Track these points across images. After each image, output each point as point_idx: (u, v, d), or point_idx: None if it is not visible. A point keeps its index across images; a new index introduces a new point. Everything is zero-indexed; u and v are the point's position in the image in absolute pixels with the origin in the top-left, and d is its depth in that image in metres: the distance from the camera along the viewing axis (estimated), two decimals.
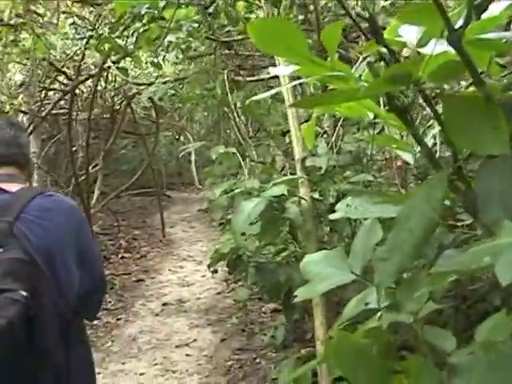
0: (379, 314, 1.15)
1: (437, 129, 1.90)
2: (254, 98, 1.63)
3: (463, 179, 1.03)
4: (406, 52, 1.37)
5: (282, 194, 2.92)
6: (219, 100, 5.13)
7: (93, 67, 8.72)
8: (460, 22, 0.94)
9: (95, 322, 6.06)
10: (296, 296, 1.34)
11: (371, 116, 1.50)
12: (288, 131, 4.30)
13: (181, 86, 7.37)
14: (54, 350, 1.89)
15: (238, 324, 6.30)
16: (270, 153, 5.67)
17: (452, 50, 0.97)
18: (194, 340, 5.94)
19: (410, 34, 1.11)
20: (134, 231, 11.38)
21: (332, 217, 1.91)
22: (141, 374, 5.16)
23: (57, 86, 9.58)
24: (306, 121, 3.01)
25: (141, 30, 4.88)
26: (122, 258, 9.42)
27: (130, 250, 9.90)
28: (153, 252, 9.95)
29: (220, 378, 5.06)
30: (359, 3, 3.73)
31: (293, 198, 3.15)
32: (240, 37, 5.30)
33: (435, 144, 1.99)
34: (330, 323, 2.99)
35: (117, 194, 11.80)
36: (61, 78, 9.27)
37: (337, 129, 3.41)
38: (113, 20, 5.45)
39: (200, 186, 14.72)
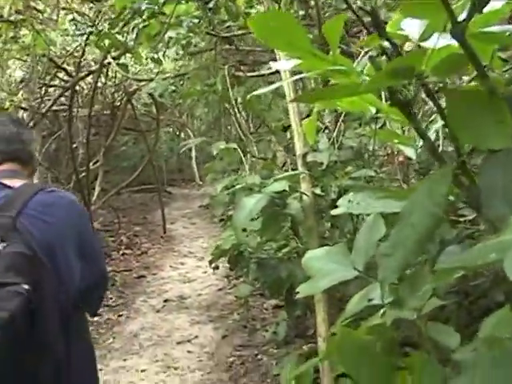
0: (382, 310, 1.15)
1: (439, 123, 1.89)
2: (255, 92, 1.62)
3: (467, 174, 1.02)
4: (407, 47, 1.36)
5: (284, 190, 2.91)
6: (220, 96, 5.11)
7: (93, 63, 8.71)
8: (463, 15, 0.93)
9: (96, 319, 6.07)
10: (298, 292, 1.34)
11: (373, 111, 1.49)
12: (289, 127, 4.30)
13: (181, 82, 7.35)
14: (55, 344, 1.91)
15: (240, 320, 6.30)
16: (271, 148, 5.66)
17: (455, 44, 0.96)
18: (196, 336, 5.94)
19: (412, 27, 1.09)
20: (134, 228, 11.37)
21: (334, 212, 1.90)
22: (142, 371, 5.15)
23: (57, 82, 9.57)
24: (308, 116, 3.00)
25: (141, 26, 4.86)
26: (123, 254, 9.41)
27: (130, 247, 9.90)
28: (154, 248, 9.94)
29: (221, 374, 5.06)
30: None
31: (294, 193, 3.14)
32: (240, 32, 5.29)
33: (438, 139, 1.98)
34: (332, 319, 2.98)
35: (117, 191, 11.79)
36: (61, 74, 9.26)
37: (338, 124, 3.40)
38: (113, 16, 5.43)
39: (201, 183, 14.73)
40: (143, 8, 4.58)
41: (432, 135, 1.99)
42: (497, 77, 1.13)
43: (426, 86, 1.07)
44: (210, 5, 4.74)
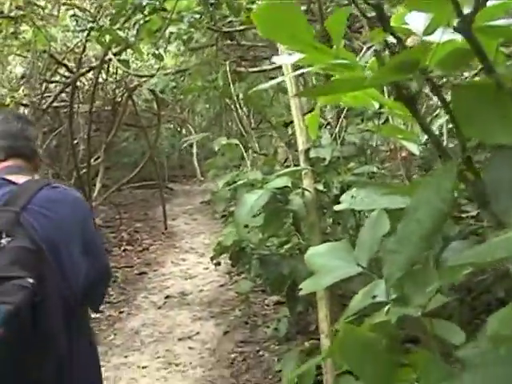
0: (387, 307, 1.13)
1: (443, 119, 1.88)
2: (257, 87, 1.61)
3: (472, 169, 1.01)
4: (409, 42, 1.35)
5: (286, 186, 2.90)
6: (221, 91, 5.10)
7: (94, 59, 8.70)
8: (468, 9, 0.92)
9: (98, 316, 6.06)
10: (300, 289, 1.33)
11: (376, 106, 1.48)
12: (291, 122, 4.28)
13: (182, 78, 7.34)
14: (58, 340, 1.92)
15: (241, 316, 6.30)
16: (272, 144, 5.65)
17: (458, 38, 0.95)
18: (197, 333, 5.93)
19: (416, 21, 1.08)
20: (136, 224, 11.37)
21: (337, 208, 1.89)
22: (143, 367, 5.15)
23: (58, 78, 9.55)
24: (310, 111, 2.98)
25: (142, 22, 4.85)
26: (124, 250, 9.41)
27: (132, 243, 9.89)
28: (155, 245, 9.94)
29: (223, 370, 5.06)
30: None
31: (296, 189, 3.13)
32: (242, 27, 5.27)
33: (441, 134, 1.97)
34: (334, 316, 2.97)
35: (118, 187, 11.78)
36: (62, 70, 9.24)
37: (340, 120, 3.38)
38: (114, 11, 5.41)
39: (202, 179, 14.71)
40: (144, 3, 4.56)
41: (435, 131, 1.98)
42: (503, 71, 1.12)
43: (431, 81, 1.06)
44: (212, 0, 4.72)
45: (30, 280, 1.77)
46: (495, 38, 1.06)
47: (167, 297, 7.16)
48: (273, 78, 5.00)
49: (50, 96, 9.01)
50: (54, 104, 9.35)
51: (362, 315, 1.23)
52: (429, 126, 1.14)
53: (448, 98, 1.02)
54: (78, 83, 9.25)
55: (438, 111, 2.05)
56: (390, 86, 1.06)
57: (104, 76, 9.69)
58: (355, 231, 3.30)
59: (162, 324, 6.23)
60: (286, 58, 1.69)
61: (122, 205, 12.49)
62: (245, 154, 3.96)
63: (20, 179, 2.13)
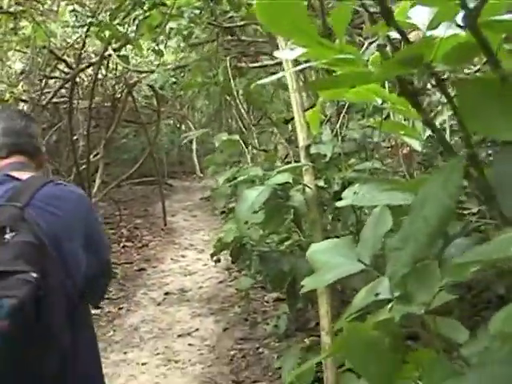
0: (390, 305, 1.12)
1: (445, 115, 1.87)
2: (259, 82, 1.59)
3: (476, 165, 1.00)
4: (412, 37, 1.33)
5: (287, 182, 2.89)
6: (222, 87, 5.09)
7: (93, 55, 8.68)
8: (472, 3, 0.91)
9: (97, 312, 6.05)
10: (301, 285, 1.31)
11: (379, 101, 1.47)
12: (291, 119, 4.27)
13: (182, 74, 7.32)
14: (61, 332, 1.93)
15: (241, 313, 6.29)
16: (272, 141, 5.64)
17: (461, 33, 0.94)
18: (197, 329, 5.93)
19: (420, 15, 1.07)
20: (135, 220, 11.37)
21: (339, 204, 1.88)
22: (143, 364, 5.15)
23: (57, 74, 9.54)
24: (310, 107, 2.97)
25: (142, 17, 4.83)
26: (124, 246, 9.40)
27: (131, 239, 9.89)
28: (154, 241, 9.94)
29: (223, 367, 5.05)
30: None
31: (297, 185, 3.12)
32: (242, 23, 5.25)
33: (444, 130, 1.96)
34: (334, 312, 2.96)
35: (118, 183, 11.78)
36: (61, 66, 9.24)
37: (341, 116, 3.37)
38: (113, 7, 5.39)
39: (201, 175, 14.71)
40: None
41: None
42: (509, 66, 1.10)
43: (436, 75, 1.04)
44: None
45: (34, 274, 1.79)
46: (499, 33, 1.05)
47: (167, 293, 7.15)
48: (273, 74, 4.99)
49: (49, 92, 9.01)
50: (54, 100, 9.35)
51: (364, 313, 1.22)
52: (433, 121, 1.13)
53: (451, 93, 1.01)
54: (78, 79, 9.24)
55: (439, 107, 2.04)
56: (394, 80, 1.05)
57: (104, 72, 9.67)
58: (356, 228, 3.29)
59: (161, 320, 6.22)
60: (288, 53, 1.68)
61: (122, 201, 12.49)
62: (246, 150, 3.95)
63: (23, 175, 2.15)
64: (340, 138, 3.33)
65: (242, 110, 5.09)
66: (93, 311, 2.58)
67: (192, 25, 5.00)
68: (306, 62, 1.22)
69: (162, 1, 4.50)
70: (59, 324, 1.92)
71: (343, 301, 4.12)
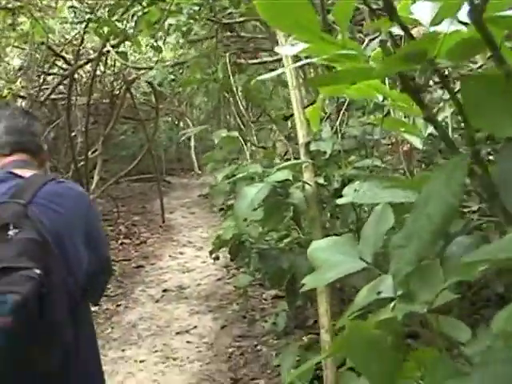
0: (393, 303, 1.11)
1: (447, 112, 1.86)
2: (259, 77, 1.58)
3: (480, 163, 0.98)
4: (414, 33, 1.33)
5: (287, 179, 2.88)
6: (221, 83, 5.07)
7: (92, 51, 8.66)
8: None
9: (95, 309, 6.04)
10: (300, 283, 1.30)
11: (380, 98, 1.46)
12: (290, 116, 4.25)
13: (180, 71, 7.31)
14: (63, 329, 1.95)
15: (239, 311, 6.28)
16: (270, 138, 5.62)
17: (464, 29, 0.93)
18: (195, 327, 5.92)
19: (423, 11, 1.06)
20: (133, 217, 11.36)
21: (339, 201, 1.87)
22: (141, 361, 5.14)
23: (55, 70, 9.52)
24: (310, 104, 2.95)
25: (140, 13, 4.81)
26: (122, 243, 9.40)
27: (129, 236, 9.89)
28: (152, 238, 9.93)
29: (221, 365, 5.04)
30: None
31: (297, 183, 3.10)
32: (242, 19, 5.23)
33: (446, 127, 1.94)
34: (333, 309, 2.95)
35: (116, 180, 11.77)
36: (59, 62, 9.22)
37: (341, 113, 3.35)
38: (112, 2, 5.37)
39: (199, 172, 14.72)
40: None
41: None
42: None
43: (439, 72, 1.03)
44: None
45: (38, 271, 1.80)
46: (503, 29, 1.03)
47: (165, 290, 7.14)
48: (272, 70, 4.97)
49: (47, 88, 9.00)
50: (52, 96, 9.35)
51: (366, 312, 1.21)
52: (436, 118, 1.12)
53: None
54: (76, 75, 9.22)
55: (441, 104, 2.02)
56: (394, 77, 1.04)
57: (102, 68, 9.66)
58: (355, 225, 3.28)
59: (159, 318, 6.21)
60: (289, 49, 1.67)
61: (120, 198, 12.49)
62: (245, 147, 3.94)
63: (26, 173, 2.17)
64: (340, 135, 3.32)
65: (241, 107, 5.07)
66: (91, 308, 2.60)
67: (191, 21, 4.98)
68: (306, 58, 1.21)
69: None
70: (61, 321, 1.94)
71: (342, 299, 4.11)
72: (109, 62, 9.69)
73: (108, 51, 7.19)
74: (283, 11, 0.99)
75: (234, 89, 4.61)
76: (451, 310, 2.68)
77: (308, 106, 3.10)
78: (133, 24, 5.16)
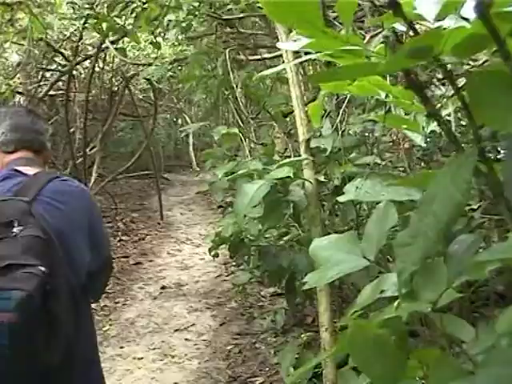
0: (396, 302, 1.09)
1: (450, 109, 1.84)
2: (261, 73, 1.57)
3: (486, 160, 0.97)
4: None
5: (287, 176, 2.86)
6: (220, 80, 5.05)
7: (90, 48, 8.64)
8: None
9: (93, 306, 6.02)
10: (300, 281, 1.29)
11: (382, 94, 1.44)
12: (290, 113, 4.23)
13: (179, 68, 7.28)
14: (66, 324, 1.96)
15: (237, 308, 6.28)
16: (270, 135, 5.60)
17: (467, 25, 0.92)
18: (193, 324, 5.91)
19: (426, 7, 1.05)
20: (131, 214, 11.35)
21: (341, 199, 1.85)
22: (139, 359, 5.13)
23: (54, 66, 9.49)
24: (311, 101, 2.94)
25: (140, 9, 4.79)
26: (120, 240, 9.38)
27: (127, 233, 9.87)
28: (151, 235, 9.92)
29: (219, 362, 5.03)
30: None
31: (297, 180, 3.09)
32: (242, 15, 5.21)
33: (449, 124, 1.93)
34: (331, 307, 2.94)
35: (115, 177, 11.75)
36: (58, 58, 9.18)
37: (341, 110, 3.34)
38: None
39: (198, 169, 14.71)
40: None
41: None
42: None
43: (444, 67, 1.02)
44: None
45: (42, 268, 1.82)
46: (509, 24, 1.02)
47: (163, 287, 7.14)
48: (272, 67, 4.95)
49: (46, 84, 8.97)
50: (50, 92, 9.32)
51: (367, 311, 1.19)
52: (440, 115, 1.10)
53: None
54: (75, 72, 9.20)
55: (444, 100, 2.01)
56: (396, 73, 1.03)
57: (101, 65, 9.64)
58: (355, 223, 3.27)
59: (157, 315, 6.20)
60: (291, 44, 1.65)
61: (118, 195, 12.48)
62: (245, 143, 3.92)
63: (29, 171, 2.20)
64: (340, 133, 3.30)
65: (241, 104, 5.05)
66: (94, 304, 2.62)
67: (191, 17, 4.96)
68: (306, 54, 1.20)
69: None
70: (64, 317, 1.94)
71: (341, 297, 4.11)
72: (107, 58, 9.66)
73: (107, 47, 7.17)
74: (287, 6, 0.98)
75: (234, 85, 4.59)
76: (451, 308, 2.67)
77: (309, 102, 3.09)
78: (132, 20, 5.15)
